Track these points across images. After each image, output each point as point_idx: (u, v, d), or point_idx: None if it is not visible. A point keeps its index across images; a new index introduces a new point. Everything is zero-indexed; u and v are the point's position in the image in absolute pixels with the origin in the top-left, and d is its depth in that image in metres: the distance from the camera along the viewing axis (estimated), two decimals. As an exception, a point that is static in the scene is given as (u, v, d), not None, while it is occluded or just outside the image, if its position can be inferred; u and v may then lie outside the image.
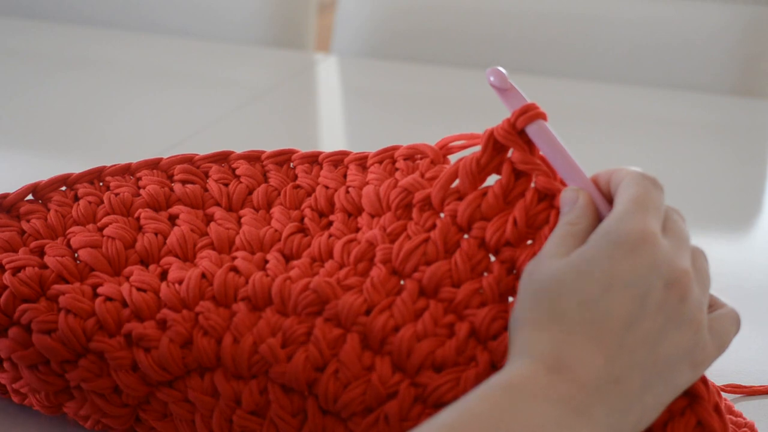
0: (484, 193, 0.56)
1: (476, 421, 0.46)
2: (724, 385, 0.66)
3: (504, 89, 0.58)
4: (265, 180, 0.63)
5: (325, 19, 2.18)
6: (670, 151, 1.18)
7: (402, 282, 0.56)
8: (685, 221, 0.54)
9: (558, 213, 0.55)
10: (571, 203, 0.54)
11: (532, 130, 0.56)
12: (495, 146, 0.57)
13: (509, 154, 0.57)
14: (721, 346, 0.53)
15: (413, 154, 0.61)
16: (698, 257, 0.53)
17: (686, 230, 0.53)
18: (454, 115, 1.28)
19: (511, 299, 0.55)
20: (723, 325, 0.53)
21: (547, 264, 0.51)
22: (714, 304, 0.55)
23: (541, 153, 0.56)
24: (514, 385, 0.47)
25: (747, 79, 1.42)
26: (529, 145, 0.56)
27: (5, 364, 0.59)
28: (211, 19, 1.63)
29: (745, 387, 0.67)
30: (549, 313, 0.50)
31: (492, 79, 0.58)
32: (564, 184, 0.55)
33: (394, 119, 1.26)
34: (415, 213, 0.57)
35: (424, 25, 1.54)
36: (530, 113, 0.56)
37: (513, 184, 0.56)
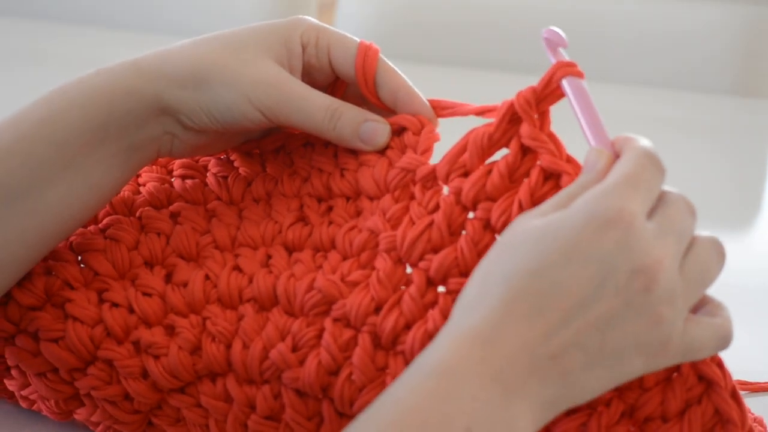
0: (489, 171, 0.55)
1: (412, 415, 0.44)
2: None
3: (556, 45, 0.57)
4: (263, 169, 0.62)
5: (325, 19, 2.18)
6: (669, 151, 1.17)
7: (408, 270, 0.55)
8: (693, 213, 0.51)
9: None
10: (593, 165, 0.52)
11: (571, 83, 0.54)
12: (511, 119, 0.55)
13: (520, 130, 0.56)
14: (687, 352, 0.50)
15: (396, 129, 0.59)
16: (702, 251, 0.50)
17: (684, 221, 0.50)
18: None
19: None
20: (700, 333, 0.50)
21: (524, 220, 0.50)
22: (705, 306, 0.51)
23: (573, 106, 0.54)
24: (447, 368, 0.46)
25: (746, 79, 1.43)
26: (540, 121, 0.55)
27: (13, 372, 0.59)
28: (210, 19, 1.63)
29: (750, 383, 0.67)
30: (500, 273, 0.48)
31: (547, 35, 0.57)
32: (570, 161, 0.54)
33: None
34: (417, 191, 0.56)
35: (424, 24, 1.54)
36: (572, 68, 0.54)
37: (519, 162, 0.55)
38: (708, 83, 1.43)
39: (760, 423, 0.59)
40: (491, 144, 0.56)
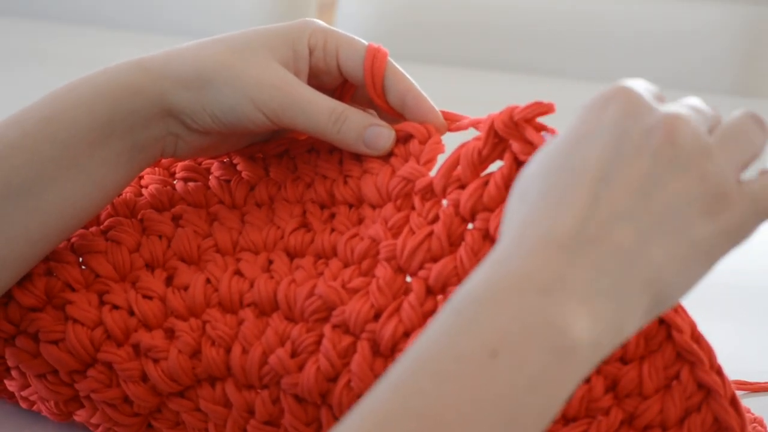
0: (486, 182, 0.55)
1: (431, 360, 0.41)
2: (727, 383, 0.66)
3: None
4: (266, 174, 0.62)
5: (325, 19, 2.18)
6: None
7: (408, 279, 0.55)
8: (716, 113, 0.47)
9: None
10: None
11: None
12: (496, 135, 0.56)
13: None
14: (758, 204, 0.45)
15: (402, 137, 0.59)
16: (734, 120, 0.47)
17: (700, 103, 0.47)
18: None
19: None
20: (763, 184, 0.46)
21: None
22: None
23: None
24: (474, 298, 0.42)
25: (746, 79, 1.43)
26: (530, 135, 0.55)
27: (14, 372, 0.59)
28: (210, 19, 1.63)
29: (749, 384, 0.67)
30: (518, 196, 0.46)
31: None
32: None
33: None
34: (416, 203, 0.56)
35: (424, 25, 1.54)
36: (532, 107, 0.54)
37: (515, 173, 0.55)
38: (708, 83, 1.43)
39: (760, 423, 0.59)
40: (482, 159, 0.56)
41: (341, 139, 0.59)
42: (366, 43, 0.60)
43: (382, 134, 0.59)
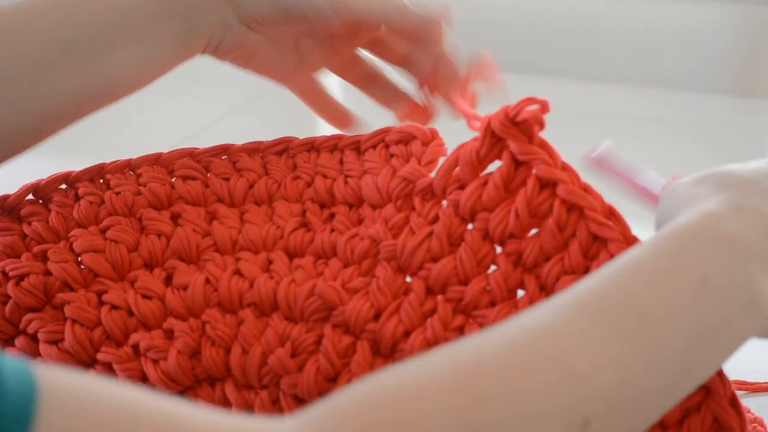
0: (485, 182, 0.55)
1: (646, 268, 0.45)
2: (727, 382, 0.66)
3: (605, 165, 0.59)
4: (266, 172, 0.62)
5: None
6: (669, 151, 1.18)
7: (408, 279, 0.55)
8: None
9: (561, 203, 0.53)
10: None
11: (600, 163, 0.58)
12: (493, 135, 0.56)
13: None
14: None
15: (404, 138, 0.60)
16: None
17: None
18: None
19: (520, 293, 0.54)
20: None
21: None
22: None
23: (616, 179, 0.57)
24: (681, 233, 0.47)
25: (746, 79, 1.42)
26: (527, 133, 0.55)
27: (13, 373, 0.59)
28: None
29: (749, 383, 0.67)
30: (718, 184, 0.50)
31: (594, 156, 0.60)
32: (566, 168, 0.54)
33: (393, 118, 1.26)
34: (417, 203, 0.57)
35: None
36: (525, 103, 0.55)
37: (513, 173, 0.55)
38: (708, 83, 1.43)
39: (760, 423, 0.59)
40: (480, 160, 0.56)
41: (413, 18, 0.60)
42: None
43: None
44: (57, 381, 0.36)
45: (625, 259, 0.46)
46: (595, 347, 0.42)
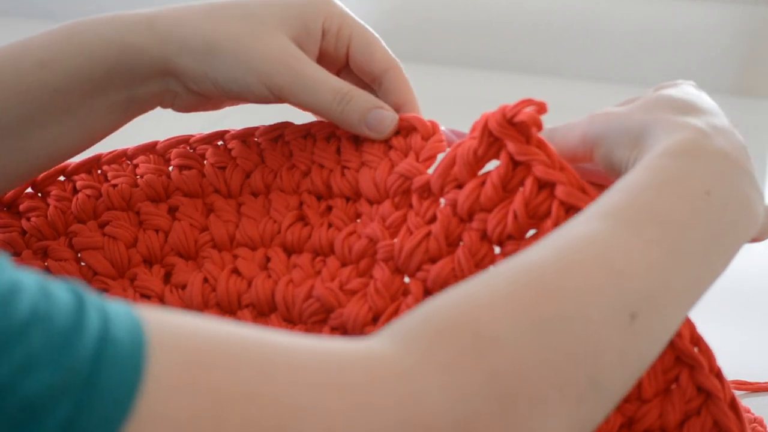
0: (483, 182, 0.55)
1: (653, 182, 0.47)
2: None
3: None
4: (261, 160, 0.61)
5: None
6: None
7: (406, 280, 0.55)
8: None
9: (560, 204, 0.53)
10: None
11: None
12: (491, 134, 0.55)
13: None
14: None
15: (404, 128, 0.59)
16: None
17: None
18: (454, 115, 1.27)
19: None
20: None
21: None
22: None
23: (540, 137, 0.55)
24: (684, 147, 0.49)
25: (746, 79, 1.42)
26: (524, 134, 0.54)
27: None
28: None
29: (749, 383, 0.67)
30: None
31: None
32: (564, 169, 0.53)
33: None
34: (414, 201, 0.56)
35: (424, 24, 1.54)
36: (522, 104, 0.54)
37: (511, 173, 0.54)
38: (708, 83, 1.42)
39: (760, 423, 0.59)
40: (478, 159, 0.55)
41: (344, 119, 0.58)
42: (378, 37, 0.61)
43: (386, 118, 0.59)
44: (162, 322, 0.36)
45: (629, 177, 0.48)
46: (631, 250, 0.45)
